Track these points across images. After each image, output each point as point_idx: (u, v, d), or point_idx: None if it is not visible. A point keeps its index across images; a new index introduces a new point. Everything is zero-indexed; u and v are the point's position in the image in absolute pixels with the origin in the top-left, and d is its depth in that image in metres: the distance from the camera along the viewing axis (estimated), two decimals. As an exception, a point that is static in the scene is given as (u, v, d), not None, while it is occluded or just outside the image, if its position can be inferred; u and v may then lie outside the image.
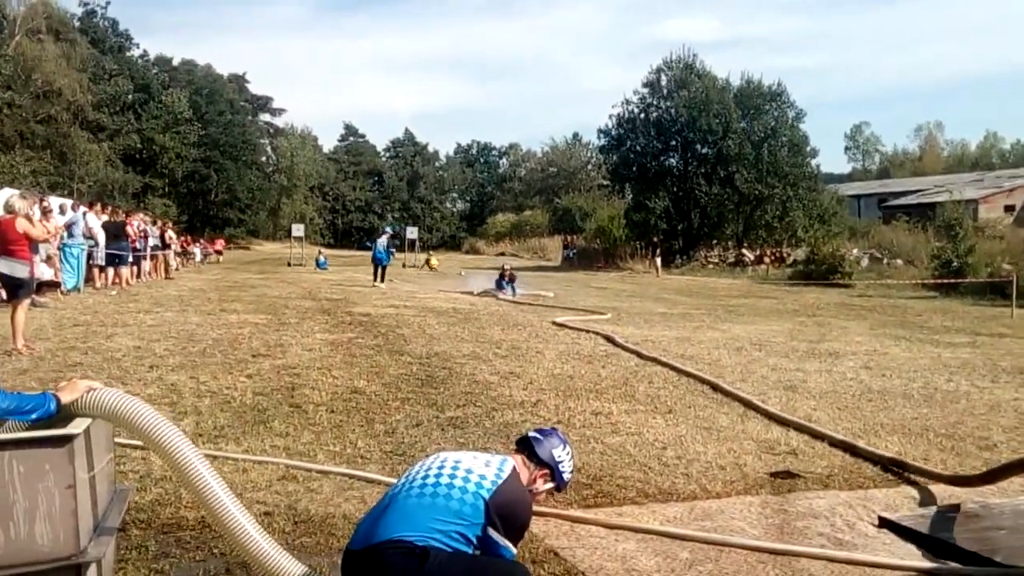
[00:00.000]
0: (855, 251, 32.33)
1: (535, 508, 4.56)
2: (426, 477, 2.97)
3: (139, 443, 4.39)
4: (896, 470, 5.46)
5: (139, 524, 4.20)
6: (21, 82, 42.72)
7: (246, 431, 6.06)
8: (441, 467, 3.01)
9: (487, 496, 2.90)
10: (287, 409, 6.77)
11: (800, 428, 6.53)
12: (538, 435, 3.32)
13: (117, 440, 4.95)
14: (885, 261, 31.55)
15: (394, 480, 4.98)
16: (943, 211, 35.80)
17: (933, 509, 4.74)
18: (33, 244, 9.68)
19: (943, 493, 5.05)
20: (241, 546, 3.15)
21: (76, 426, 3.00)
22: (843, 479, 5.32)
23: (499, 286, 21.10)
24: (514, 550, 3.00)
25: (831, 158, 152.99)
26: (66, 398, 3.14)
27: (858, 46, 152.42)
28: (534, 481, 3.23)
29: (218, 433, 6.00)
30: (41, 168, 42.78)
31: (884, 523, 4.45)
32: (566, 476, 3.31)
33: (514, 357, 9.94)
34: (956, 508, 4.58)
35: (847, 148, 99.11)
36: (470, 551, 2.87)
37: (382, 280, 23.13)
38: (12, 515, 2.84)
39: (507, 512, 2.95)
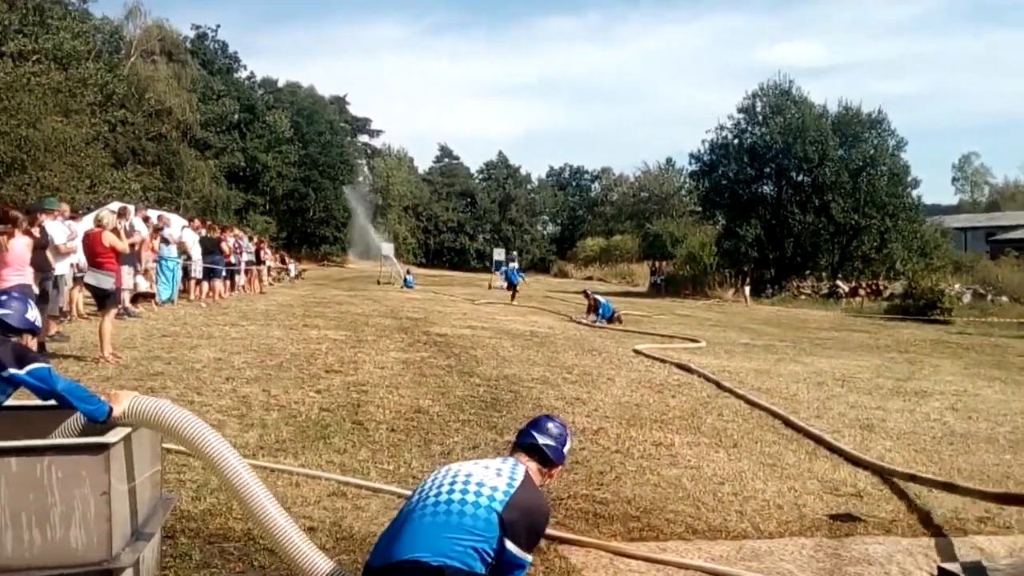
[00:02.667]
0: (957, 286, 30.96)
1: (577, 537, 4.52)
2: (439, 494, 2.97)
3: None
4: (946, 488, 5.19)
5: (188, 533, 4.32)
6: (135, 101, 44.88)
7: (306, 445, 6.18)
8: (453, 482, 3.01)
9: (500, 509, 2.90)
10: (349, 425, 6.88)
11: (868, 467, 6.27)
12: (546, 439, 3.28)
13: (177, 449, 5.13)
14: (989, 298, 30.10)
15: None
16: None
17: (1001, 562, 4.46)
18: (120, 256, 10.13)
19: (1014, 545, 4.77)
20: (275, 540, 3.23)
21: (113, 435, 3.12)
22: (907, 525, 5.08)
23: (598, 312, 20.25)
24: (530, 559, 3.00)
25: (937, 189, 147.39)
26: (117, 411, 3.29)
27: (966, 71, 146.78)
28: (549, 478, 3.31)
29: (279, 446, 6.14)
30: (151, 184, 44.74)
31: (943, 574, 4.22)
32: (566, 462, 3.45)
33: (583, 383, 9.87)
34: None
35: (955, 179, 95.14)
36: (485, 570, 2.86)
37: (513, 298, 27.37)
38: (49, 518, 2.96)
39: (523, 522, 2.94)
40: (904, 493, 5.70)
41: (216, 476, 3.51)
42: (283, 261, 23.42)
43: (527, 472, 3.12)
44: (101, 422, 3.29)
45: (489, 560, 2.87)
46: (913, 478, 5.68)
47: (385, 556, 2.91)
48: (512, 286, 29.60)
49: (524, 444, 3.28)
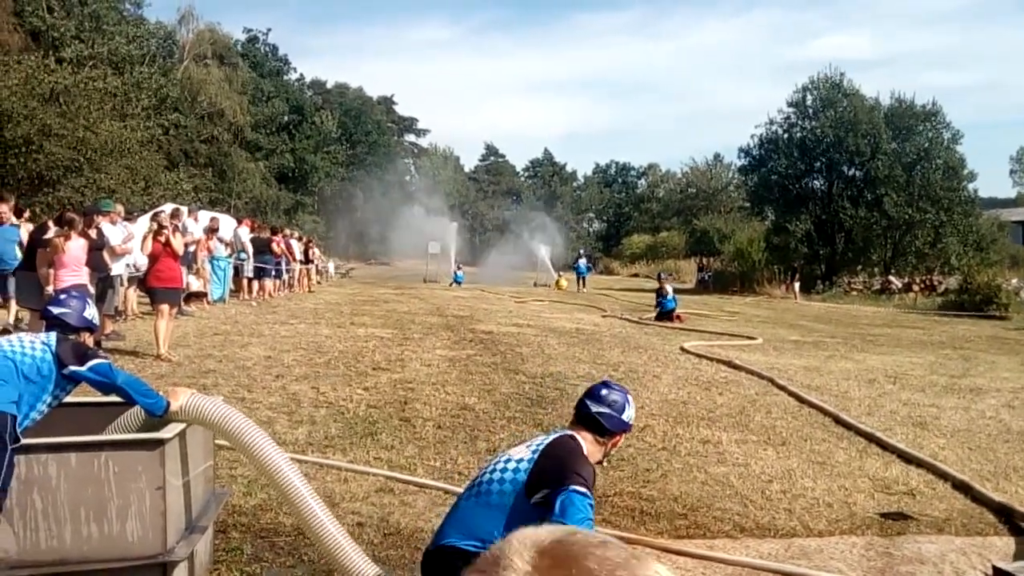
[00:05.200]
0: (1014, 281, 30.14)
1: (623, 534, 4.51)
2: (481, 478, 3.00)
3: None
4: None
5: (239, 527, 4.41)
6: (187, 104, 45.79)
7: (354, 442, 6.27)
8: (494, 466, 3.00)
9: (524, 479, 2.84)
10: (396, 422, 6.95)
11: (921, 465, 6.16)
12: (599, 407, 3.08)
13: (228, 445, 5.24)
14: (1049, 293, 29.28)
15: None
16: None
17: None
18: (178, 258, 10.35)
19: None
20: (322, 543, 3.28)
21: (169, 431, 3.20)
22: (961, 524, 4.98)
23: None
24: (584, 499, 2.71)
25: (994, 181, 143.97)
26: (174, 406, 3.38)
27: (1023, 61, 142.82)
28: (612, 447, 3.17)
29: (328, 443, 6.23)
30: (203, 185, 45.58)
31: (998, 574, 4.14)
32: (630, 421, 3.20)
33: (629, 380, 9.81)
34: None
35: (1012, 171, 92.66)
36: None
37: (584, 286, 34.37)
38: (106, 512, 3.05)
39: (547, 468, 2.82)
40: (958, 491, 5.59)
41: (265, 477, 3.58)
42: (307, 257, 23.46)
43: (568, 438, 2.98)
44: (159, 416, 3.38)
45: None
46: (967, 490, 5.55)
47: (436, 539, 2.96)
48: (581, 278, 36.03)
49: (579, 415, 3.13)
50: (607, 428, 3.05)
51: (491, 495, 2.86)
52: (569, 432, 3.04)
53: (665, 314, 19.52)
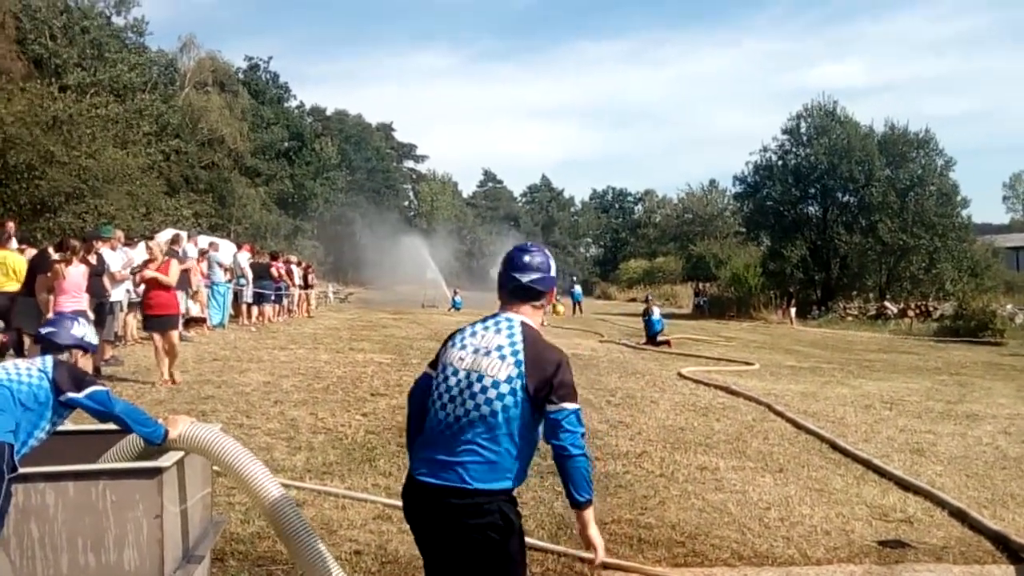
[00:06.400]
0: (1009, 306, 30.23)
1: (621, 562, 4.52)
2: (456, 407, 2.83)
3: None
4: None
5: (237, 555, 4.41)
6: (188, 130, 46.11)
7: (352, 468, 6.27)
8: (472, 390, 2.78)
9: (524, 396, 2.72)
10: (394, 448, 6.95)
11: (919, 492, 6.17)
12: (530, 276, 2.89)
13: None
14: (1043, 318, 29.35)
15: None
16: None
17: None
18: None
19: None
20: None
21: (167, 459, 3.22)
22: (959, 552, 4.98)
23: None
24: (567, 406, 2.70)
25: (987, 207, 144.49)
26: (172, 433, 3.39)
27: (1018, 88, 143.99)
28: (548, 303, 3.01)
29: (326, 469, 6.24)
30: (203, 211, 45.80)
31: (995, 603, 4.14)
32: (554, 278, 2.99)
33: (626, 406, 9.84)
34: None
35: (1005, 197, 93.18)
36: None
37: (578, 312, 36.36)
38: (104, 541, 3.07)
39: (541, 390, 2.71)
40: (955, 519, 5.59)
41: (258, 507, 3.57)
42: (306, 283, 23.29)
43: (527, 329, 2.82)
44: (157, 444, 3.39)
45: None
46: (964, 517, 5.56)
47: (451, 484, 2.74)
48: (577, 303, 38.47)
49: (512, 291, 2.91)
50: (542, 291, 2.91)
51: (488, 421, 2.70)
52: (520, 319, 2.85)
53: (652, 336, 19.74)
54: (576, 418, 2.71)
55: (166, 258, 10.49)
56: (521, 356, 2.73)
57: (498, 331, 2.83)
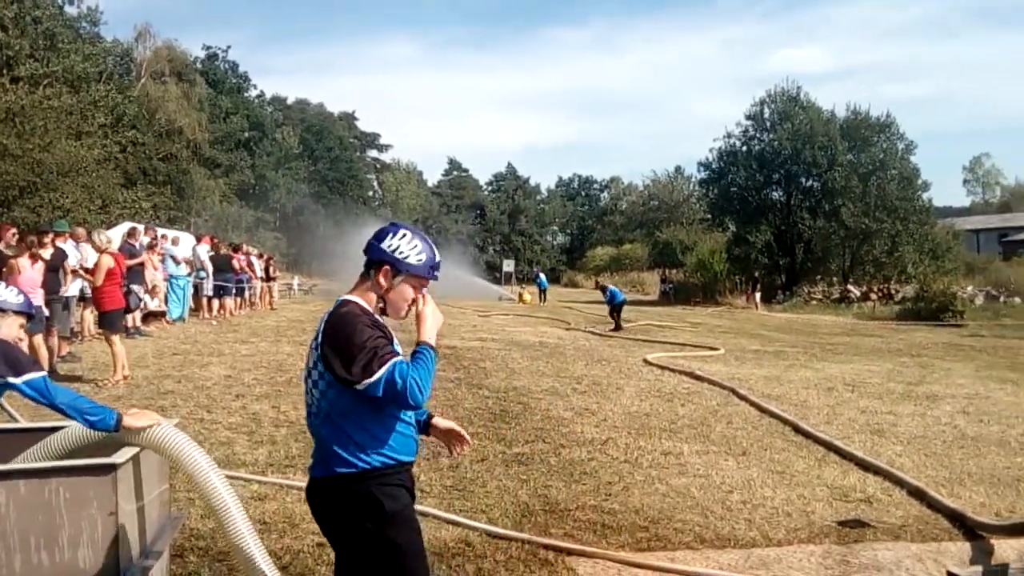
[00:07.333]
0: (969, 288, 30.77)
1: (584, 548, 4.52)
2: (309, 401, 2.77)
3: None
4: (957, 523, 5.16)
5: (197, 551, 4.35)
6: (145, 122, 45.17)
7: (315, 461, 6.20)
8: (309, 385, 2.72)
9: (329, 377, 2.61)
10: (358, 441, 6.89)
11: (878, 472, 6.26)
12: (366, 252, 2.77)
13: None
14: (1002, 299, 29.91)
15: (451, 515, 5.04)
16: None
17: (1013, 565, 4.44)
18: (124, 277, 10.15)
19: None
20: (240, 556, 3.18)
21: (121, 455, 3.14)
22: (917, 530, 5.06)
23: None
24: (365, 380, 2.51)
25: (948, 191, 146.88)
26: (129, 422, 3.22)
27: (977, 74, 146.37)
28: (381, 278, 2.73)
29: (288, 463, 6.18)
30: (161, 203, 45.05)
31: (952, 579, 4.20)
32: (410, 261, 2.72)
33: (593, 393, 9.88)
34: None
35: (966, 181, 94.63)
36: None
37: (544, 301, 37.15)
38: (58, 540, 2.99)
39: (333, 349, 2.58)
40: (913, 498, 5.68)
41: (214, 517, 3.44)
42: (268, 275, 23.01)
43: (336, 307, 2.72)
44: (112, 431, 3.21)
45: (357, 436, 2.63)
46: (921, 496, 5.64)
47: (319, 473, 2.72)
48: (543, 291, 39.13)
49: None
50: (368, 259, 2.76)
51: (322, 409, 2.65)
52: (344, 299, 2.75)
53: (618, 307, 20.33)
54: (390, 383, 2.51)
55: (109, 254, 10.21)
56: (320, 339, 2.63)
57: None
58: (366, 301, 2.74)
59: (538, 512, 5.22)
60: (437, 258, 2.81)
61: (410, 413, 2.75)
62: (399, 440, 2.68)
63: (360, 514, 2.61)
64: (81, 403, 3.23)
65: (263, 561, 3.13)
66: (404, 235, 2.75)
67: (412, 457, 2.75)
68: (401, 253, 2.72)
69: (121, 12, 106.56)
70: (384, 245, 2.73)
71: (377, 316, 2.75)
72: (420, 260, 2.74)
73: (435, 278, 2.82)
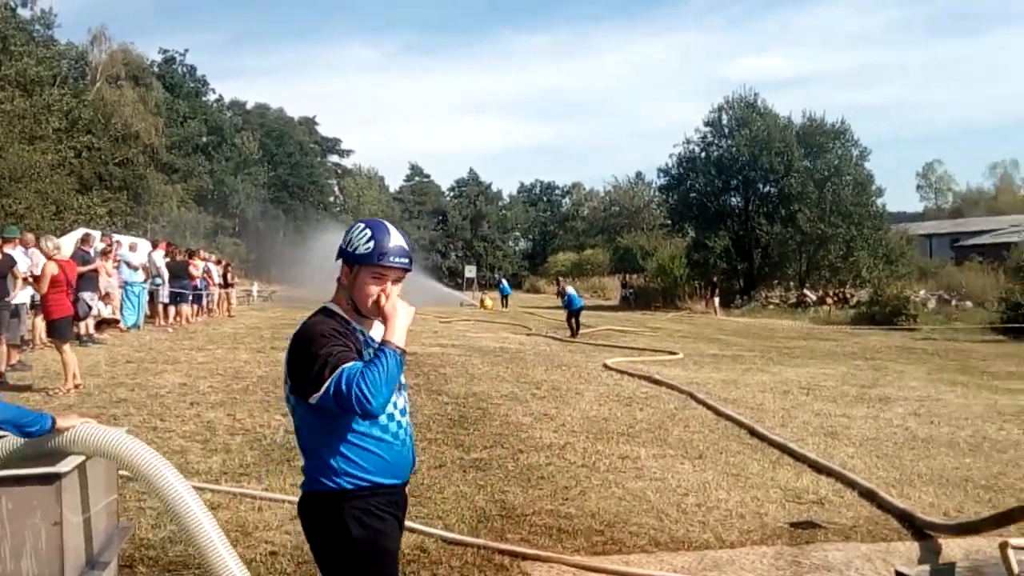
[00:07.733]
0: (922, 292, 31.39)
1: (540, 552, 4.53)
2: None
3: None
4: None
5: (146, 561, 4.29)
6: (100, 126, 44.43)
7: (271, 469, 6.15)
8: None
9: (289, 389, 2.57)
10: (315, 448, 6.84)
11: (831, 474, 6.36)
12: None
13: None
14: (954, 303, 30.55)
15: (407, 522, 5.01)
16: (1018, 251, 34.70)
17: (959, 564, 4.53)
18: (72, 284, 9.93)
19: (971, 546, 4.85)
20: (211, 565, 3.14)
21: (65, 464, 3.09)
22: (867, 531, 5.14)
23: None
24: (315, 395, 2.38)
25: (902, 197, 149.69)
26: (61, 423, 3.16)
27: (930, 81, 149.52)
28: (350, 288, 2.61)
29: (243, 471, 6.11)
30: (117, 209, 44.36)
31: (900, 579, 4.28)
32: (359, 251, 2.57)
33: (552, 398, 9.90)
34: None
35: (919, 186, 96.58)
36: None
37: (506, 306, 38.19)
38: (0, 551, 2.93)
39: (291, 365, 2.51)
40: (864, 499, 5.77)
41: (163, 505, 3.40)
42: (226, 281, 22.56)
43: (305, 319, 2.62)
44: (47, 433, 3.12)
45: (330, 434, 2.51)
46: (872, 497, 5.74)
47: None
48: (505, 297, 40.71)
49: None
50: (341, 258, 2.66)
51: (296, 427, 2.59)
52: (320, 307, 2.68)
53: (576, 312, 20.35)
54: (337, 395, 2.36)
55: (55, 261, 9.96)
56: (287, 355, 2.56)
57: None
58: (338, 304, 2.65)
59: (495, 517, 5.22)
60: (392, 244, 2.59)
61: (395, 428, 2.60)
62: (371, 460, 2.51)
63: (328, 536, 2.52)
64: (19, 417, 3.13)
65: (212, 529, 3.11)
66: (358, 227, 2.63)
67: (393, 479, 2.57)
68: (351, 245, 2.59)
69: (75, 15, 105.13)
70: (343, 242, 2.64)
71: (352, 321, 2.63)
72: (368, 248, 2.56)
73: (392, 265, 2.58)
